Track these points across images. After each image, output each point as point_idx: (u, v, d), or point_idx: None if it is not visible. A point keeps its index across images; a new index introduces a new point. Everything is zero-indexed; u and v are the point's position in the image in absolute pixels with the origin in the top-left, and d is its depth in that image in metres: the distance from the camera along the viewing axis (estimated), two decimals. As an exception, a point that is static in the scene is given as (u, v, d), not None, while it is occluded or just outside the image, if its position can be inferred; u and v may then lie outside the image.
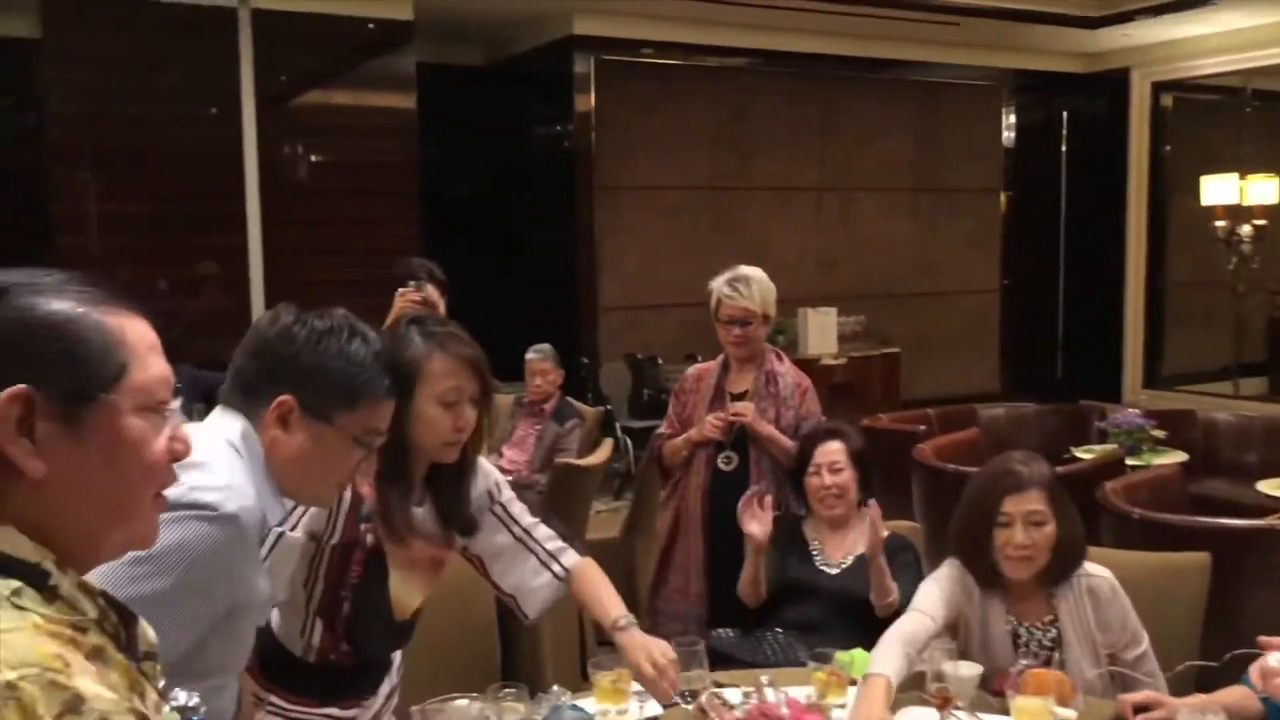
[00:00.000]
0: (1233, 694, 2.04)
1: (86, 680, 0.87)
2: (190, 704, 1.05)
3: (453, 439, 1.89)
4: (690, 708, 2.04)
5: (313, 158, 6.76)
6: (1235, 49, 8.41)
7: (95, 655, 0.92)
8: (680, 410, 3.50)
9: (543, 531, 2.12)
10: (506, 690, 2.04)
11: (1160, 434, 5.41)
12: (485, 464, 2.11)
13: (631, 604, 2.67)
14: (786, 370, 3.47)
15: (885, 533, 2.79)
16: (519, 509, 2.12)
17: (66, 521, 0.96)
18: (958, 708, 2.09)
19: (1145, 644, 2.35)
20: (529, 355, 5.00)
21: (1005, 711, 2.08)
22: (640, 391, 7.43)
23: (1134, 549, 2.89)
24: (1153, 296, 9.34)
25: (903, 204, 9.06)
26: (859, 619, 2.78)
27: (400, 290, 3.88)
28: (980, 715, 2.10)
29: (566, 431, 4.87)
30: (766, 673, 2.26)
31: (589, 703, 2.10)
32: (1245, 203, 7.96)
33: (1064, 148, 9.77)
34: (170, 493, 1.05)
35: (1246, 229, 7.89)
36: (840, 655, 2.20)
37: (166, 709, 1.01)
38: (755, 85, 8.29)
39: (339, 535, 1.91)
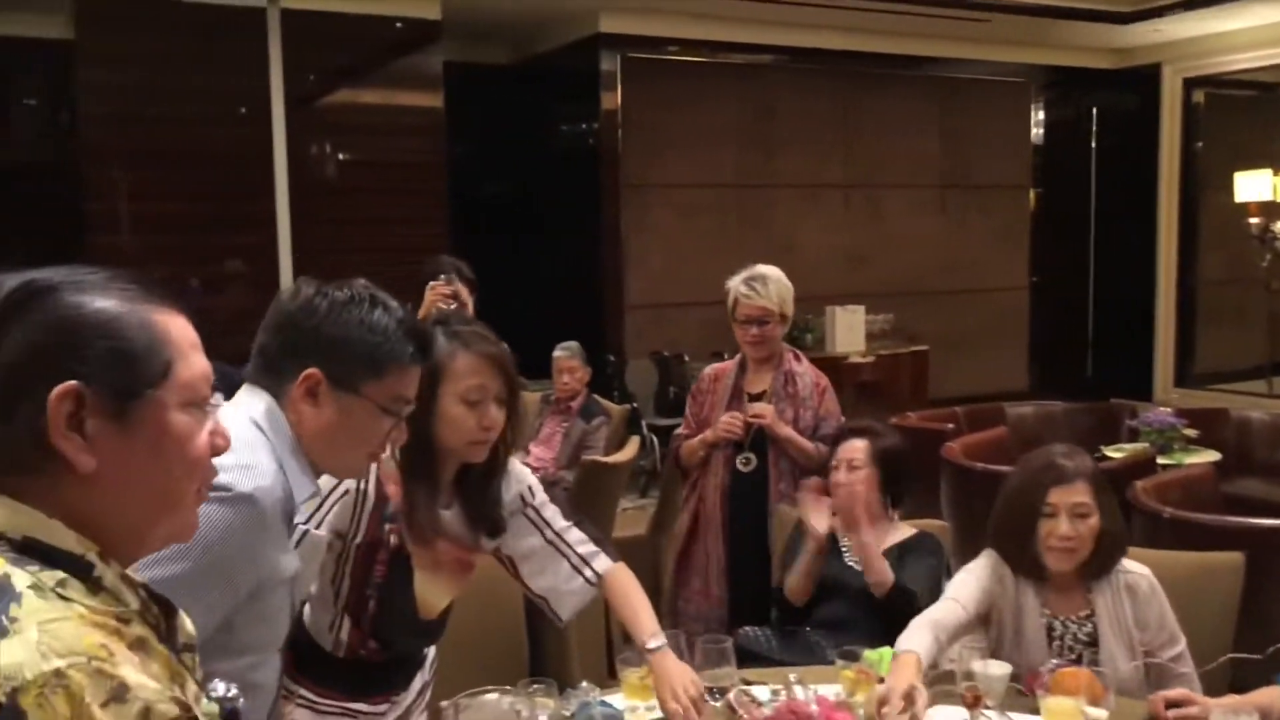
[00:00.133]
0: (1266, 694, 2.02)
1: (130, 670, 0.89)
2: (229, 695, 1.07)
3: (479, 438, 1.89)
4: (719, 705, 2.04)
5: (341, 157, 6.80)
6: (1269, 44, 8.30)
7: (138, 646, 0.93)
8: (697, 411, 3.48)
9: (575, 535, 2.12)
10: (535, 686, 2.04)
11: (1192, 433, 5.36)
12: (519, 467, 2.11)
13: (657, 603, 2.68)
14: (805, 370, 3.44)
15: (817, 514, 2.81)
16: (552, 512, 2.11)
17: (113, 515, 0.98)
18: (988, 707, 2.08)
19: (1182, 645, 2.34)
20: (556, 353, 5.01)
21: (1036, 711, 2.06)
22: (666, 389, 7.43)
23: (1166, 549, 2.86)
24: (1184, 294, 9.24)
25: (931, 201, 9.01)
26: (885, 617, 2.76)
27: (431, 284, 3.89)
28: (1010, 715, 2.08)
29: (593, 429, 4.88)
30: (795, 670, 2.26)
31: (617, 699, 2.11)
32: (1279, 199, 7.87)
33: (1094, 144, 9.69)
34: None
35: (1280, 226, 7.81)
36: (869, 653, 2.19)
37: (205, 700, 1.03)
38: (781, 82, 8.27)
39: (363, 534, 1.92)
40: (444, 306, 3.86)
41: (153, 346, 0.99)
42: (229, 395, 1.52)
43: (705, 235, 7.97)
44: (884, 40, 8.31)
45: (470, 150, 7.86)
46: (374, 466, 1.92)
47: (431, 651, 2.13)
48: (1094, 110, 9.64)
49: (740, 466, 3.34)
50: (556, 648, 2.71)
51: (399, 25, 6.81)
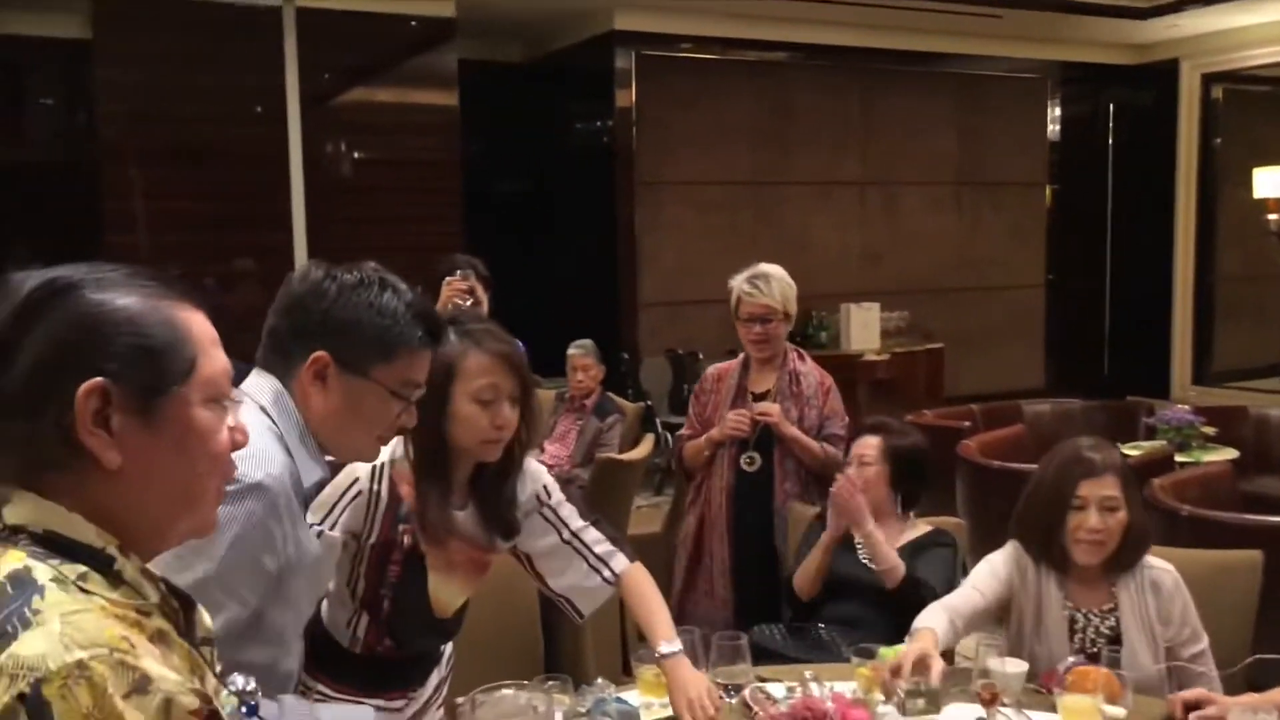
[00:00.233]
0: (1287, 693, 2.01)
1: (152, 662, 0.90)
2: (248, 689, 1.07)
3: (492, 437, 1.88)
4: (734, 702, 2.04)
5: (356, 155, 6.82)
6: (1288, 39, 8.25)
7: (158, 638, 0.94)
8: (701, 411, 3.46)
9: (592, 535, 2.11)
10: (551, 683, 2.04)
11: (1210, 430, 5.34)
12: (535, 465, 2.10)
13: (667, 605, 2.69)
14: (809, 369, 3.41)
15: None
16: (569, 511, 2.10)
17: (136, 510, 0.99)
18: (1004, 704, 2.07)
19: (1204, 643, 2.34)
20: (570, 350, 5.02)
21: (1053, 709, 2.06)
22: (681, 387, 7.42)
23: (1184, 547, 2.85)
24: (1202, 291, 9.18)
25: (946, 198, 8.98)
26: (900, 615, 2.76)
27: (447, 279, 3.89)
28: (1027, 713, 2.08)
29: (608, 427, 4.88)
30: (810, 668, 2.25)
31: (632, 695, 2.11)
32: (1299, 195, 7.80)
33: (1111, 141, 9.64)
34: None
35: (1300, 222, 7.74)
36: (884, 651, 2.18)
37: (224, 693, 1.03)
38: (796, 79, 8.25)
39: (377, 535, 1.92)
40: (460, 302, 3.86)
41: (177, 343, 0.99)
42: None
43: (720, 233, 7.96)
44: (899, 37, 8.29)
45: (485, 148, 7.87)
46: (387, 467, 1.92)
47: (449, 648, 2.14)
48: (1111, 106, 9.58)
49: (745, 466, 3.32)
50: (572, 644, 2.71)
51: (414, 24, 6.83)
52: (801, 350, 3.49)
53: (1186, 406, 5.60)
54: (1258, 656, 2.41)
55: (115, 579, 0.95)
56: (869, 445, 3.00)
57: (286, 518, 1.46)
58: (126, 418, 0.96)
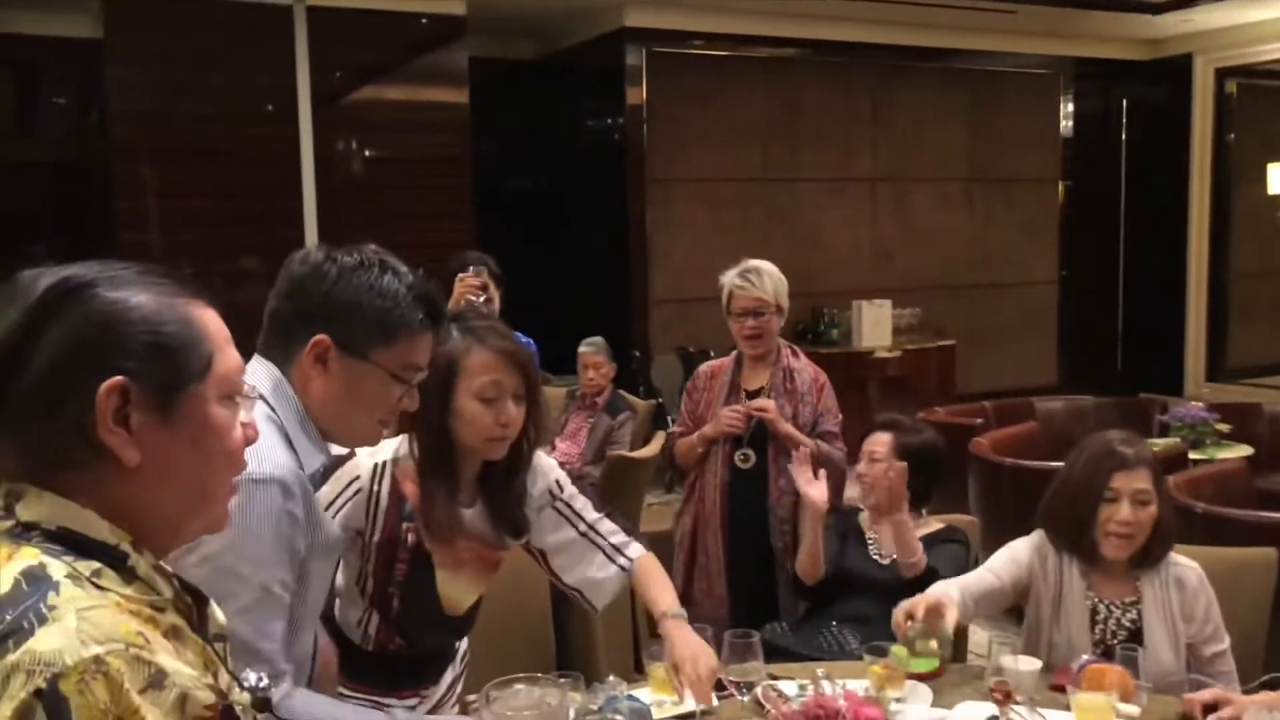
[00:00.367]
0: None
1: (167, 657, 0.90)
2: (261, 685, 1.08)
3: (497, 435, 1.87)
4: (746, 700, 2.03)
5: (367, 153, 6.83)
6: (1303, 33, 8.20)
7: (172, 634, 0.95)
8: (693, 408, 3.43)
9: (607, 526, 2.11)
10: (562, 680, 2.04)
11: (1224, 427, 5.32)
12: (545, 460, 2.10)
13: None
14: (803, 366, 3.39)
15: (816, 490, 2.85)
16: (582, 504, 2.10)
17: (152, 507, 0.99)
18: (1018, 702, 2.06)
19: (1226, 643, 2.35)
20: (581, 348, 5.02)
21: (1067, 707, 2.05)
22: (692, 384, 7.42)
23: (1198, 545, 2.84)
24: (1216, 287, 9.14)
25: (958, 195, 8.95)
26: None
27: (460, 276, 3.89)
28: (1041, 711, 2.07)
29: (619, 424, 4.88)
30: (822, 665, 2.25)
31: (644, 693, 2.10)
32: (1313, 191, 7.77)
33: (1124, 136, 9.59)
34: None
35: (1315, 218, 7.71)
36: (897, 648, 2.18)
37: (238, 690, 1.04)
38: (807, 76, 8.23)
39: (380, 533, 1.92)
40: (473, 299, 3.86)
41: (193, 341, 1.00)
42: None
43: (731, 230, 7.95)
44: (910, 32, 8.26)
45: (496, 146, 7.87)
46: (389, 466, 1.92)
47: (463, 646, 2.13)
48: (1124, 102, 9.53)
49: (739, 463, 3.29)
50: (583, 642, 2.71)
51: (424, 21, 6.83)
52: (795, 347, 3.46)
53: (1200, 403, 5.58)
54: (1273, 676, 2.40)
55: (129, 575, 0.95)
56: (880, 442, 3.00)
57: (303, 501, 1.47)
58: (145, 416, 0.96)
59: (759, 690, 2.05)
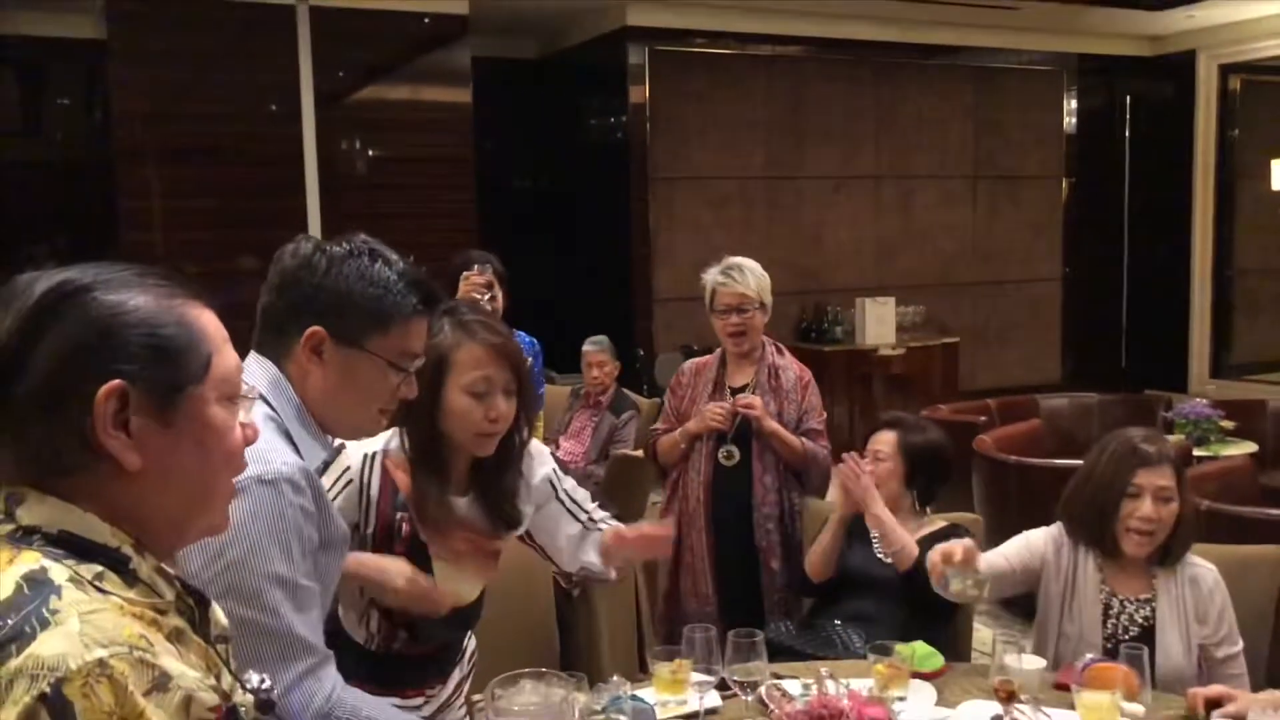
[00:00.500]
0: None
1: (170, 659, 0.90)
2: (263, 686, 1.08)
3: (486, 430, 1.86)
4: (750, 699, 2.03)
5: (370, 152, 6.83)
6: (1306, 29, 8.18)
7: (175, 637, 0.95)
8: (677, 405, 3.41)
9: (600, 513, 2.14)
10: (570, 685, 2.04)
11: (1229, 424, 5.31)
12: (539, 448, 2.09)
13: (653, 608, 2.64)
14: (788, 363, 3.38)
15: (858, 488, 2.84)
16: (582, 495, 2.12)
17: (154, 509, 0.99)
18: (1022, 701, 2.06)
19: (1239, 647, 2.35)
20: (585, 347, 5.02)
21: (1071, 706, 2.04)
22: (696, 383, 7.42)
23: (1202, 542, 2.83)
24: (1220, 284, 9.12)
25: (962, 192, 8.94)
26: (913, 611, 2.76)
27: (465, 274, 3.89)
28: (1045, 710, 2.07)
29: (623, 423, 4.88)
30: (826, 665, 2.25)
31: (648, 693, 2.10)
32: (1317, 187, 7.75)
33: (1128, 133, 9.58)
34: None
35: (1319, 213, 7.69)
36: (901, 648, 2.18)
37: (240, 691, 1.04)
38: (810, 73, 8.22)
39: (374, 524, 1.91)
40: (478, 297, 3.86)
41: (192, 342, 1.00)
42: None
43: (734, 228, 7.94)
44: (914, 30, 8.25)
45: (499, 145, 7.88)
46: (379, 456, 1.91)
47: (470, 646, 2.13)
48: (1127, 98, 9.52)
49: (723, 460, 3.27)
50: (587, 641, 2.71)
51: (427, 21, 6.83)
52: (779, 344, 3.44)
53: (1205, 400, 5.57)
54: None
55: (131, 578, 0.95)
56: (884, 441, 3.00)
57: (313, 496, 1.47)
58: (145, 418, 0.96)
59: (763, 690, 2.05)
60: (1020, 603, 4.64)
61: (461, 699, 2.10)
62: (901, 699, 2.10)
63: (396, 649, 1.97)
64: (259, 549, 1.38)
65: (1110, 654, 2.24)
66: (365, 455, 1.92)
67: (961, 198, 8.93)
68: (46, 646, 0.85)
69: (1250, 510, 3.71)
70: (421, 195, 6.82)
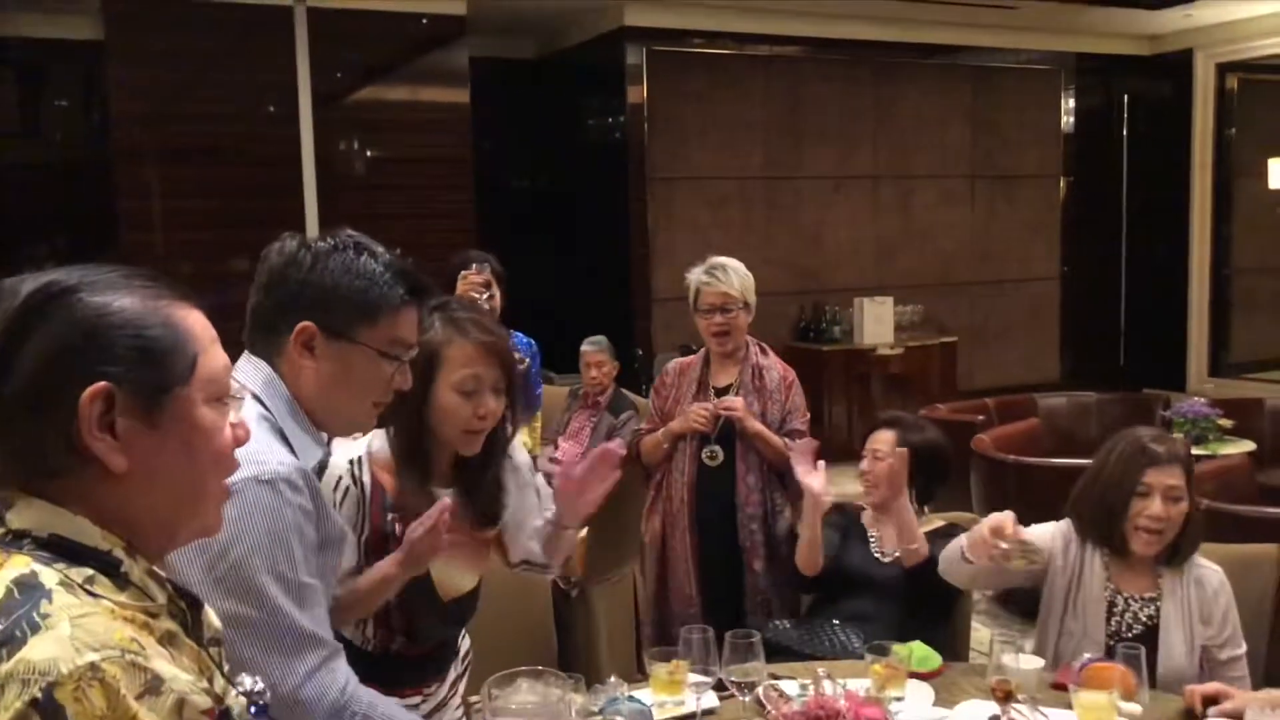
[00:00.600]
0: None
1: (162, 662, 0.90)
2: (256, 689, 1.08)
3: (474, 427, 1.87)
4: (747, 700, 2.03)
5: (368, 153, 6.83)
6: (1304, 28, 8.18)
7: (167, 640, 0.95)
8: (661, 405, 3.39)
9: (549, 506, 2.14)
10: (566, 684, 2.04)
11: (1227, 423, 5.32)
12: (517, 445, 2.10)
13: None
14: (772, 364, 3.35)
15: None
16: (547, 492, 2.13)
17: (144, 512, 0.98)
18: (1019, 701, 2.06)
19: (1242, 649, 2.36)
20: (584, 347, 5.01)
21: (1068, 706, 2.04)
22: (694, 383, 7.42)
23: (1200, 540, 2.84)
24: (1218, 282, 9.13)
25: (960, 191, 8.94)
26: (911, 610, 2.76)
27: (463, 273, 3.89)
28: (1043, 710, 2.07)
29: (621, 423, 4.87)
30: (824, 665, 2.25)
31: (645, 694, 2.10)
32: (1315, 186, 7.76)
33: (1125, 132, 9.58)
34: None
35: (1316, 212, 7.70)
36: (899, 648, 2.18)
37: (233, 693, 1.04)
38: (808, 73, 8.22)
39: (368, 529, 1.91)
40: (476, 296, 3.86)
41: (179, 343, 0.99)
42: None
43: (733, 228, 7.95)
44: (912, 29, 8.25)
45: (496, 145, 7.88)
46: (366, 459, 1.91)
47: (465, 644, 2.13)
48: (1125, 98, 9.52)
49: (707, 460, 3.25)
50: (586, 642, 2.71)
51: (424, 21, 6.83)
52: (764, 345, 3.42)
53: (1203, 399, 5.57)
54: None
55: (123, 581, 0.95)
56: (884, 440, 3.00)
57: (310, 494, 1.48)
58: (131, 420, 0.95)
59: (760, 690, 2.05)
60: (1018, 602, 4.65)
61: (458, 698, 2.10)
62: (899, 699, 2.10)
63: (395, 650, 1.97)
64: (260, 549, 1.38)
65: (1112, 652, 2.24)
66: (351, 460, 1.92)
67: (960, 197, 8.94)
68: (37, 651, 0.84)
69: (1248, 509, 3.72)
70: (420, 196, 6.82)
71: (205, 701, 0.91)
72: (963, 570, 2.40)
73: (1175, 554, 2.38)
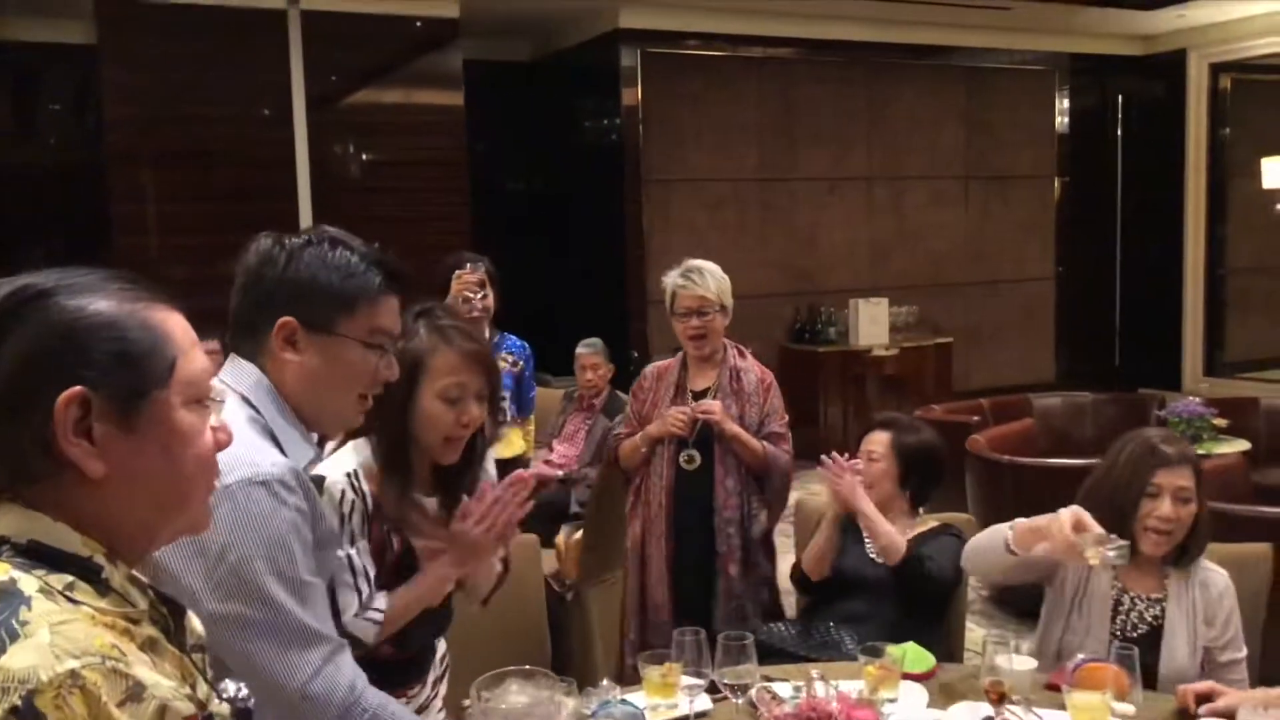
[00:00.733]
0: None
1: (143, 669, 0.89)
2: (240, 695, 1.07)
3: (455, 434, 1.87)
4: (740, 702, 2.03)
5: (362, 156, 6.83)
6: (1296, 28, 8.20)
7: (148, 646, 0.94)
8: (639, 409, 3.36)
9: None
10: (557, 685, 2.03)
11: (1222, 422, 5.32)
12: (489, 459, 2.09)
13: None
14: (749, 366, 3.32)
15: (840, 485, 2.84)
16: None
17: (124, 515, 0.97)
18: (1013, 702, 2.06)
19: (1243, 654, 2.37)
20: (579, 349, 5.01)
21: (1062, 706, 2.04)
22: (690, 384, 7.41)
23: (1208, 542, 2.84)
24: (1213, 282, 9.14)
25: (954, 192, 8.95)
26: (906, 611, 2.76)
27: (457, 272, 3.88)
28: (1037, 710, 2.07)
29: (616, 425, 4.87)
30: (818, 667, 2.24)
31: (638, 697, 2.10)
32: (1308, 185, 7.77)
33: (1119, 132, 9.60)
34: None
35: (1310, 212, 7.71)
36: (892, 649, 2.18)
37: (216, 700, 1.03)
38: (802, 75, 8.23)
39: (369, 539, 1.91)
40: (470, 295, 3.86)
41: (156, 346, 0.98)
42: None
43: (728, 229, 7.95)
44: (905, 30, 8.26)
45: (491, 148, 7.87)
46: (360, 470, 1.91)
47: (442, 647, 2.13)
48: (1119, 98, 9.54)
49: (684, 464, 3.22)
50: (579, 646, 2.71)
51: (418, 24, 6.83)
52: (741, 347, 3.39)
53: (1198, 399, 5.57)
54: None
55: (103, 587, 0.94)
56: (878, 441, 3.00)
57: (305, 494, 1.47)
58: (108, 425, 0.94)
59: (753, 692, 2.05)
60: (1014, 602, 4.65)
61: (439, 700, 2.10)
62: (892, 701, 2.10)
63: (381, 654, 1.97)
64: (259, 550, 1.38)
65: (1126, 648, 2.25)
66: (348, 474, 1.92)
67: (954, 198, 8.94)
68: (16, 659, 0.83)
69: (1243, 508, 3.72)
70: (415, 198, 6.82)
71: (188, 708, 0.90)
72: (999, 562, 2.36)
73: (1183, 555, 2.38)
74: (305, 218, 6.29)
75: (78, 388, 0.93)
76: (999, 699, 2.05)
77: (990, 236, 9.11)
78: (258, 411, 1.50)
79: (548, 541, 3.83)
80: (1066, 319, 9.48)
